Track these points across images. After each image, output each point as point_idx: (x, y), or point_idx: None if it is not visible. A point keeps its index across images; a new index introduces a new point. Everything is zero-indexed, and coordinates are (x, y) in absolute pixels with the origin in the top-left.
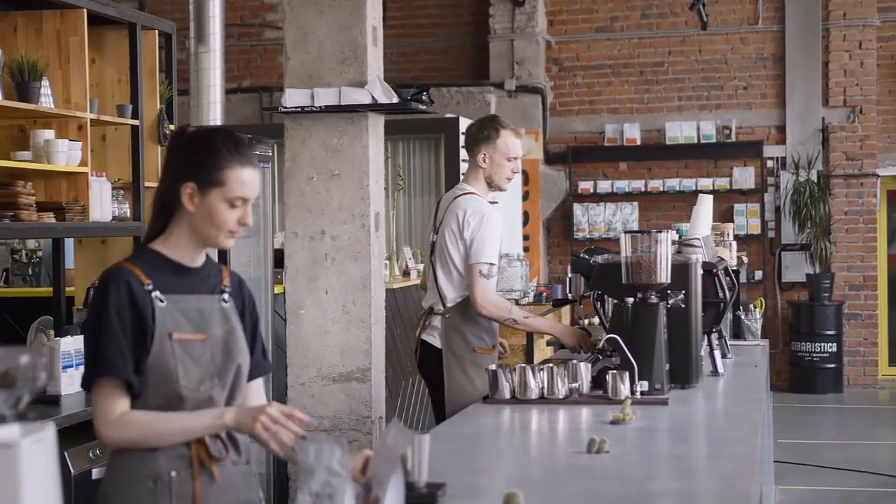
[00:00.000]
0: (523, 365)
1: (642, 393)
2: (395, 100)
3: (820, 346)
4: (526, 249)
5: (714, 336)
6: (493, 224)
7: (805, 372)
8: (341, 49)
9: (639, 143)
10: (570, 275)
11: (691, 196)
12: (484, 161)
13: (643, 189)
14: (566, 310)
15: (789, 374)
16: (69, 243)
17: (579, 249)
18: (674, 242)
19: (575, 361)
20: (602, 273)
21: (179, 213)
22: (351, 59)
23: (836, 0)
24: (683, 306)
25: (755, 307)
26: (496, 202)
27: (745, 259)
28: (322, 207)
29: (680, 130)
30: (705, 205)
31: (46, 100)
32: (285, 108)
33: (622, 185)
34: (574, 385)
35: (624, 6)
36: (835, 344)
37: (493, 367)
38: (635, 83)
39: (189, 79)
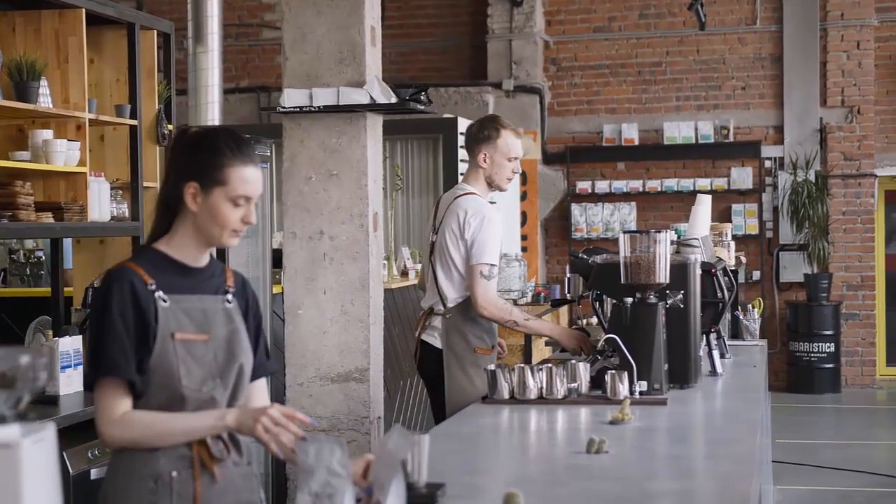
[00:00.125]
0: (522, 365)
1: (641, 393)
2: (394, 100)
3: (818, 347)
4: (524, 249)
5: (713, 336)
6: (494, 225)
7: (803, 372)
8: (339, 49)
9: (637, 143)
10: (568, 275)
11: (689, 196)
12: (484, 161)
13: (641, 189)
14: (564, 310)
15: (787, 374)
16: (67, 243)
17: (577, 249)
18: (672, 242)
19: (574, 361)
20: (601, 273)
21: (183, 213)
22: (349, 59)
23: (834, 0)
24: (682, 306)
25: (753, 307)
26: (494, 202)
27: (744, 259)
28: (320, 207)
29: (678, 130)
30: (704, 205)
31: (45, 100)
32: (283, 108)
33: (620, 185)
34: (573, 385)
35: (622, 6)
36: (833, 344)
37: (492, 367)
38: (633, 83)
39: (187, 79)
